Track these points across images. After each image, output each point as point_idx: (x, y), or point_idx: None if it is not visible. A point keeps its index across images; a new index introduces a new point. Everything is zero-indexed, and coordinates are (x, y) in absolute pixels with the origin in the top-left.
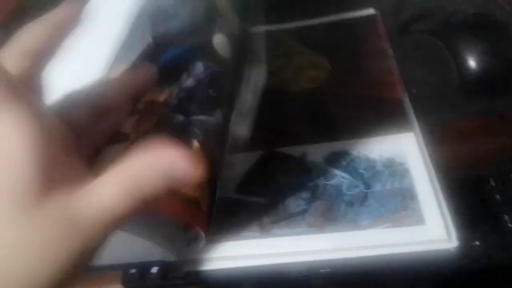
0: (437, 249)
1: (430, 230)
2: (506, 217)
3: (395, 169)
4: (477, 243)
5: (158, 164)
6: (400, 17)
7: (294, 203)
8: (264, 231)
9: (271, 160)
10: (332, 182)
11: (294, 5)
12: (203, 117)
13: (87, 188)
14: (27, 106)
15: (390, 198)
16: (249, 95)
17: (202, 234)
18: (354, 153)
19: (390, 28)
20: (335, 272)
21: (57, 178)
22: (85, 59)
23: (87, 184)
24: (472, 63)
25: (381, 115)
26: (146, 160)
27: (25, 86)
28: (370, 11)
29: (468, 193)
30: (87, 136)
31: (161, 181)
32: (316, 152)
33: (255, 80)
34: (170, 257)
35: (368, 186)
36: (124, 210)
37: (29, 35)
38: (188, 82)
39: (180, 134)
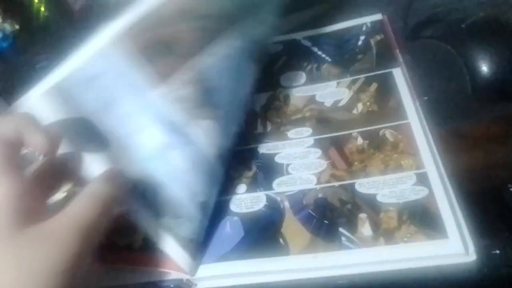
0: (456, 263)
1: (448, 243)
2: None
3: None
4: (497, 251)
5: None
6: (409, 23)
7: None
8: None
9: None
10: None
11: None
12: None
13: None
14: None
15: None
16: None
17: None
18: None
19: (399, 33)
20: (354, 286)
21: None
22: None
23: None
24: (484, 68)
25: None
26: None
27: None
28: (378, 16)
29: (485, 201)
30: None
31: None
32: None
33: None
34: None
35: None
36: (89, 215)
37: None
38: None
39: None
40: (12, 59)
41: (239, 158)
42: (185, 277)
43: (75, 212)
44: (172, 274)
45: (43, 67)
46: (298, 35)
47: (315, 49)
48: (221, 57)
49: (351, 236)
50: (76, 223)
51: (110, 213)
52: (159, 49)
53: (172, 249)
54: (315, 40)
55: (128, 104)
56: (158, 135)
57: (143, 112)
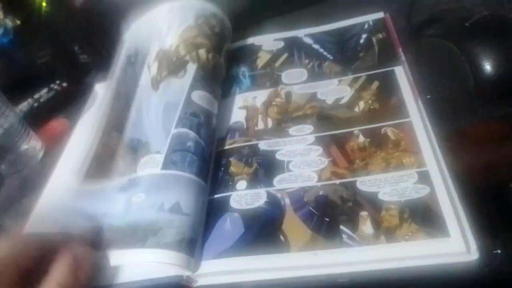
0: (457, 261)
1: (449, 242)
2: None
3: None
4: (499, 251)
5: None
6: (412, 21)
7: None
8: None
9: None
10: None
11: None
12: None
13: None
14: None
15: None
16: None
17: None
18: None
19: (402, 32)
20: (354, 284)
21: None
22: None
23: None
24: (487, 67)
25: None
26: None
27: None
28: (380, 14)
29: (487, 200)
30: None
31: None
32: None
33: None
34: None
35: None
36: None
37: None
38: None
39: None
40: (13, 54)
41: (240, 154)
42: (185, 273)
43: None
44: (171, 271)
45: (45, 62)
46: (300, 32)
47: (317, 47)
48: None
49: (352, 234)
50: None
51: None
52: None
53: (162, 257)
54: (316, 37)
55: None
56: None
57: None
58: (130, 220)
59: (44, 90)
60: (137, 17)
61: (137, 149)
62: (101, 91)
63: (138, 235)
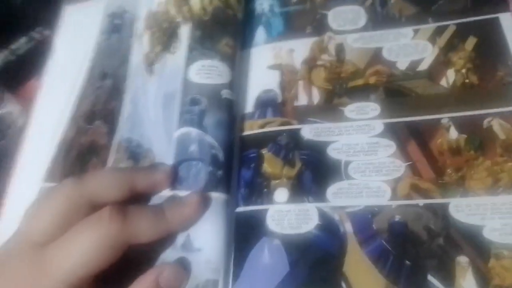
0: None
1: None
2: None
3: None
4: None
5: None
6: None
7: None
8: None
9: None
10: None
11: None
12: None
13: None
14: None
15: None
16: None
17: None
18: None
19: None
20: None
21: None
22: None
23: None
24: None
25: None
26: None
27: None
28: None
29: None
30: None
31: None
32: None
33: None
34: None
35: None
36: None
37: None
38: None
39: None
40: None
41: (275, 145)
42: None
43: None
44: None
45: (22, 3)
46: None
47: None
48: None
49: None
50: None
51: None
52: None
53: None
54: None
55: None
56: None
57: None
58: None
59: (22, 40)
60: None
61: (138, 158)
62: (76, 18)
63: None
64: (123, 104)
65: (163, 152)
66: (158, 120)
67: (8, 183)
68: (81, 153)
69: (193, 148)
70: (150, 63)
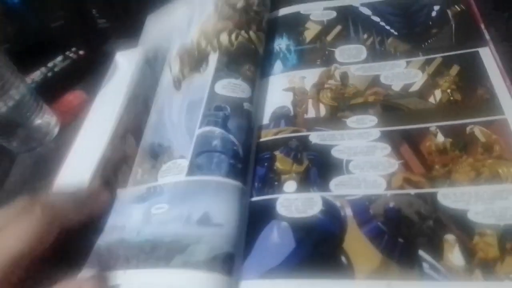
0: None
1: None
2: None
3: None
4: None
5: None
6: None
7: None
8: None
9: None
10: None
11: None
12: None
13: None
14: None
15: None
16: None
17: None
18: None
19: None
20: None
21: None
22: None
23: None
24: None
25: None
26: None
27: None
28: None
29: None
30: None
31: None
32: None
33: None
34: None
35: None
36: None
37: None
38: None
39: None
40: (24, 16)
41: (287, 148)
42: None
43: None
44: None
45: (59, 27)
46: (355, 1)
47: (377, 19)
48: None
49: (436, 263)
50: None
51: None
52: None
53: (191, 279)
54: (376, 7)
55: None
56: None
57: None
58: (148, 234)
59: (59, 58)
60: (155, 16)
61: (158, 154)
62: (122, 61)
63: (160, 252)
64: (149, 117)
65: (183, 147)
66: (181, 122)
67: (47, 188)
68: (115, 165)
69: (216, 142)
70: (178, 81)
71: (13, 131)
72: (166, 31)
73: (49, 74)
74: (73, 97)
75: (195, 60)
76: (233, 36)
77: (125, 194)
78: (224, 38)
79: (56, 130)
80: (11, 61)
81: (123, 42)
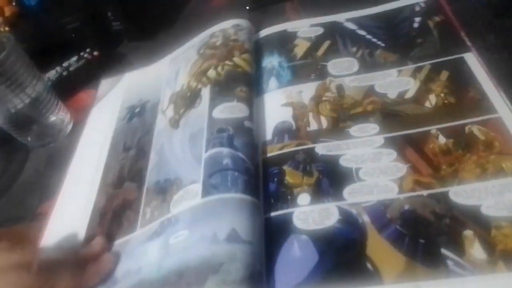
0: None
1: None
2: None
3: None
4: None
5: None
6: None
7: None
8: None
9: None
10: None
11: None
12: None
13: None
14: None
15: None
16: None
17: None
18: None
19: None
20: None
21: None
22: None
23: None
24: None
25: None
26: None
27: None
28: None
29: None
30: None
31: None
32: None
33: None
34: None
35: None
36: None
37: None
38: None
39: None
40: (41, 18)
41: (294, 161)
42: None
43: None
44: None
45: (75, 28)
46: (339, 17)
47: (363, 33)
48: None
49: (460, 260)
50: None
51: None
52: None
53: None
54: (360, 22)
55: None
56: None
57: None
58: (171, 265)
59: (74, 58)
60: (134, 71)
61: (166, 189)
62: (107, 88)
63: (189, 278)
64: (149, 160)
65: (191, 173)
66: (185, 152)
67: (60, 182)
68: (116, 213)
69: (227, 161)
70: (175, 122)
71: (29, 127)
72: (153, 83)
73: (64, 73)
74: (86, 95)
75: (189, 99)
76: (219, 69)
77: (135, 238)
78: (211, 73)
79: (70, 127)
80: (29, 59)
81: (135, 46)
